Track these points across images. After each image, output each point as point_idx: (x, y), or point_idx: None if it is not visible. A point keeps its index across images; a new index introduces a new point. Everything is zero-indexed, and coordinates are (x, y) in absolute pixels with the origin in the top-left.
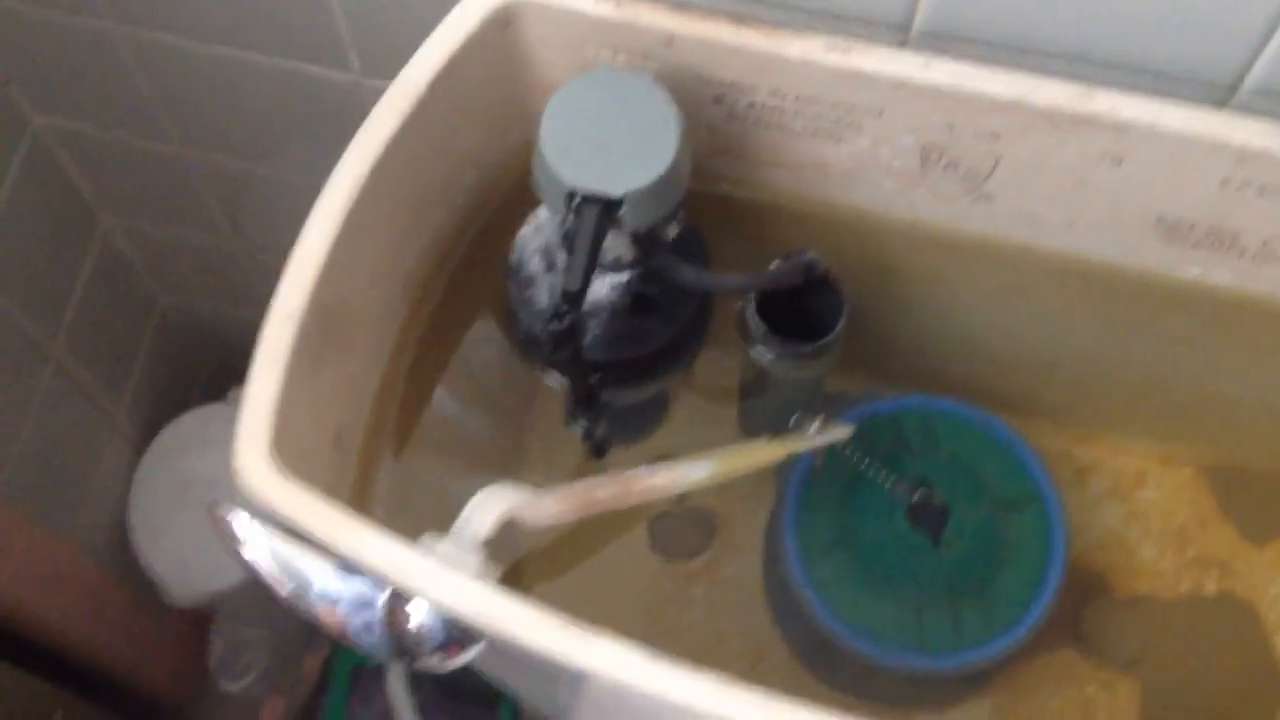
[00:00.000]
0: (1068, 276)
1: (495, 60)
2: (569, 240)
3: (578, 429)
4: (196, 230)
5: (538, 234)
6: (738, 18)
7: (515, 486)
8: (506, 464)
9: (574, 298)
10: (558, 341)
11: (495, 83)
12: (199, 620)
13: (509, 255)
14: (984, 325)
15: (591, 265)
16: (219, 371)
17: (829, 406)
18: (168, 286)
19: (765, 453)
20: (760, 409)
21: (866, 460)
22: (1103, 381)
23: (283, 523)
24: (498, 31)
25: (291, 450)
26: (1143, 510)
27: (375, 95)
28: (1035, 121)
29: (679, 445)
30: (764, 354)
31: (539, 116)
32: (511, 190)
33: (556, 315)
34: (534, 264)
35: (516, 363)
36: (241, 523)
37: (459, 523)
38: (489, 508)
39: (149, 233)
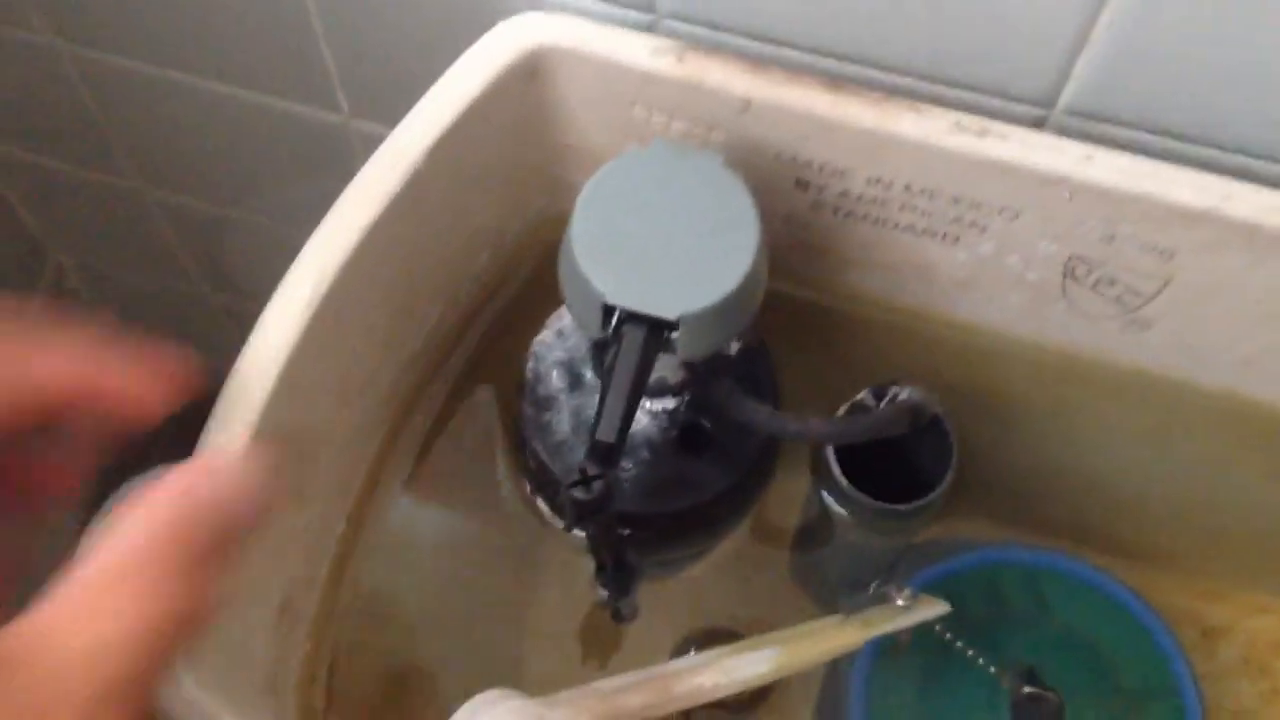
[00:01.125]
0: (1229, 421)
1: (517, 120)
2: (600, 353)
3: (598, 594)
4: (161, 274)
5: (561, 341)
6: (835, 81)
7: (514, 697)
8: (509, 632)
9: (608, 454)
10: (582, 510)
11: (517, 148)
12: None
13: (524, 366)
14: (1114, 469)
15: (633, 408)
16: (186, 429)
17: (913, 559)
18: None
19: (843, 637)
20: (823, 563)
21: (960, 639)
22: (1244, 532)
23: None
24: (521, 84)
25: (212, 639)
26: None
27: (365, 139)
28: (1228, 237)
29: (708, 594)
30: (839, 508)
31: (571, 187)
32: (532, 275)
33: (583, 479)
34: (554, 379)
35: (527, 499)
36: None
37: None
38: None
39: (107, 274)
